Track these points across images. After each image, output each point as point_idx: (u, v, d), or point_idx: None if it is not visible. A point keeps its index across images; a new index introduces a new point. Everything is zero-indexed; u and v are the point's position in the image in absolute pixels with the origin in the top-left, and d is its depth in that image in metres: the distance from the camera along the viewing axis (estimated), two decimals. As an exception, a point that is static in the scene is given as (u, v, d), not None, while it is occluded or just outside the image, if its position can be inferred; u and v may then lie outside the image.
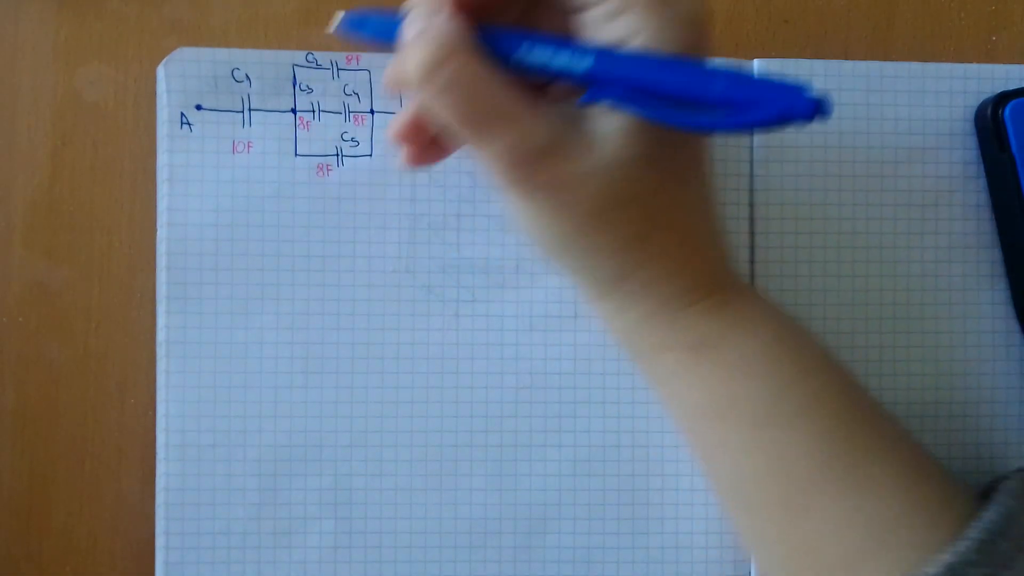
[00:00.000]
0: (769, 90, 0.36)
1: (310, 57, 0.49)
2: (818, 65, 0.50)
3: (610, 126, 0.38)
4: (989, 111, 0.49)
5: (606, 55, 0.37)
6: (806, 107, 0.35)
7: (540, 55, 0.38)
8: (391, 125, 0.43)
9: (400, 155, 0.44)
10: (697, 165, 0.41)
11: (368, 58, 0.49)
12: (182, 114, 0.48)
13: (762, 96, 0.35)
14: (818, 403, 0.41)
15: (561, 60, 0.38)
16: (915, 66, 0.51)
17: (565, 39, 0.38)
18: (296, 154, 0.49)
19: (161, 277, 0.48)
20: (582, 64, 0.37)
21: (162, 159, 0.48)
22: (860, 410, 0.42)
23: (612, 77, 0.37)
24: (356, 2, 0.49)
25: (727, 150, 0.50)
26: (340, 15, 0.42)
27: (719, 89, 0.36)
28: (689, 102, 0.36)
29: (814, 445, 0.40)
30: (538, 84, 0.40)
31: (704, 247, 0.42)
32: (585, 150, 0.38)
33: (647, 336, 0.43)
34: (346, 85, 0.49)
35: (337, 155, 0.49)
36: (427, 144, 0.43)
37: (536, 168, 0.38)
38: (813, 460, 0.40)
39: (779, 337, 0.42)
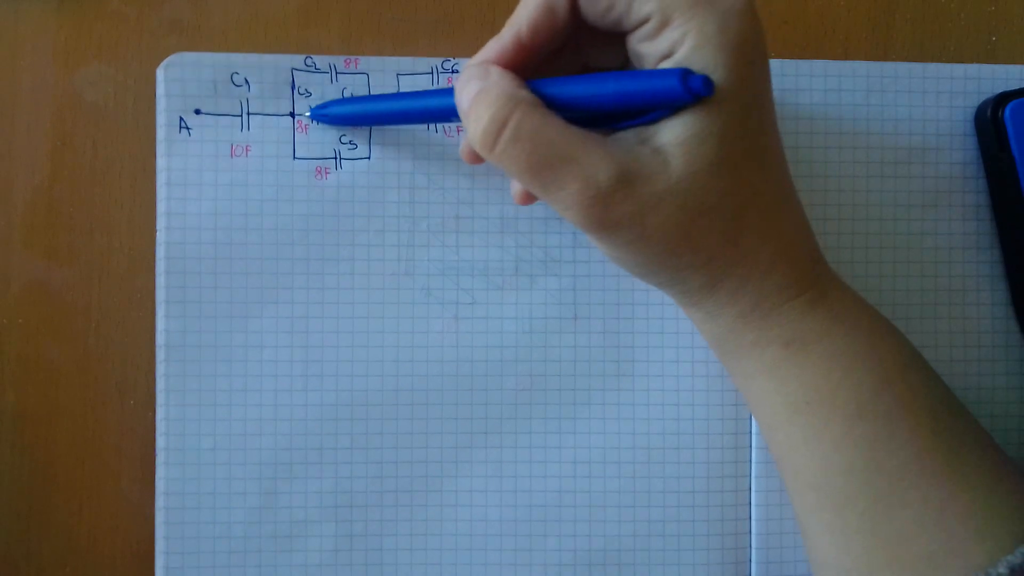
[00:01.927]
0: (652, 77, 0.37)
1: (308, 61, 0.49)
2: (818, 65, 0.50)
3: (672, 143, 0.38)
4: (989, 111, 0.49)
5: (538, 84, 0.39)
6: (683, 87, 0.36)
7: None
8: (463, 147, 0.45)
9: (514, 198, 0.46)
10: (771, 154, 0.41)
11: (366, 61, 0.49)
12: (181, 118, 0.48)
13: (646, 83, 0.37)
14: (914, 397, 0.41)
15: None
16: (915, 66, 0.51)
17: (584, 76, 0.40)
18: (295, 157, 0.49)
19: (160, 281, 0.48)
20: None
21: (161, 163, 0.48)
22: (951, 407, 0.42)
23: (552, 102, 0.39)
24: (356, 4, 0.49)
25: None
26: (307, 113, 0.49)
27: (612, 87, 0.38)
28: (598, 108, 0.38)
29: (910, 438, 0.40)
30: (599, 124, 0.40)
31: (794, 241, 0.42)
32: (653, 174, 0.38)
33: (741, 336, 0.42)
34: (344, 88, 0.49)
35: (335, 158, 0.49)
36: None
37: (609, 204, 0.38)
38: (908, 453, 0.40)
39: (876, 332, 0.42)
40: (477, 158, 0.44)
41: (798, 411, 0.42)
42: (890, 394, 0.41)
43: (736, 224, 0.39)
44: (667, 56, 0.38)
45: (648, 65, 0.39)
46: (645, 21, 0.38)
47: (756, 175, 0.40)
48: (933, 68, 0.51)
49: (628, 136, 0.39)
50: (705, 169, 0.38)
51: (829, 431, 0.41)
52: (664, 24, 0.37)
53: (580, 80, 0.39)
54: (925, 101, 0.51)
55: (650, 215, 0.38)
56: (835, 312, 0.42)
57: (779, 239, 0.41)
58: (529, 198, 0.45)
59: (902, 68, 0.51)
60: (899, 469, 0.40)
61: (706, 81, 0.36)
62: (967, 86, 0.51)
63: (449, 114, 0.42)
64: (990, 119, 0.49)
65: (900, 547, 0.40)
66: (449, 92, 0.41)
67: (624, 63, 0.42)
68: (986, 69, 0.51)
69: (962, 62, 0.51)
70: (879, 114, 0.50)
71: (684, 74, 0.36)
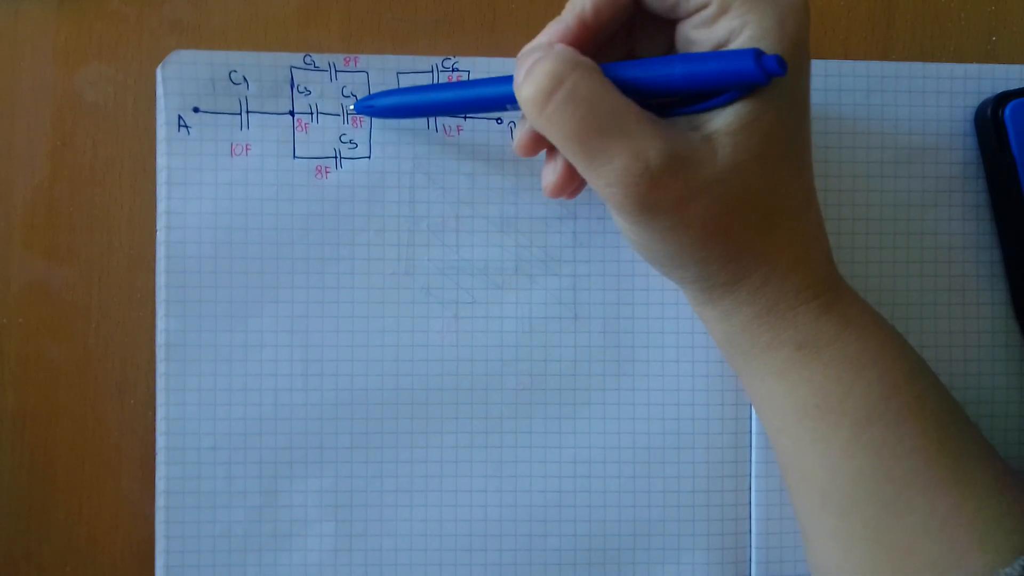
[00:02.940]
0: (724, 58, 0.37)
1: (307, 59, 0.49)
2: (818, 65, 0.50)
3: (722, 131, 0.38)
4: (989, 111, 0.49)
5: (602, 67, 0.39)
6: (758, 67, 0.36)
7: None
8: (516, 138, 0.43)
9: (546, 189, 0.44)
10: (804, 156, 0.41)
11: (366, 60, 0.49)
12: (180, 117, 0.48)
13: (719, 65, 0.37)
14: (923, 404, 0.41)
15: None
16: (915, 66, 0.51)
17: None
18: (294, 156, 0.49)
19: (160, 280, 0.48)
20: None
21: (160, 162, 0.48)
22: (957, 415, 0.42)
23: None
24: (355, 4, 0.49)
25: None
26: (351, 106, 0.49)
27: (681, 69, 0.37)
28: (667, 91, 0.38)
29: (917, 445, 0.40)
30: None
31: (814, 243, 0.42)
32: (702, 161, 0.38)
33: (755, 337, 0.42)
34: (344, 87, 0.49)
35: (335, 157, 0.49)
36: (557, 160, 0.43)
37: (655, 185, 0.37)
38: (916, 460, 0.40)
39: (886, 339, 0.42)
40: (532, 150, 0.43)
41: (807, 415, 0.42)
42: (899, 401, 0.41)
43: (767, 222, 0.40)
44: (722, 45, 0.38)
45: (703, 49, 0.39)
46: (702, 8, 0.38)
47: (789, 174, 0.40)
48: (933, 68, 0.51)
49: (679, 121, 0.39)
50: (749, 162, 0.38)
51: (838, 436, 0.41)
52: (723, 12, 0.37)
53: (646, 63, 0.38)
54: (925, 101, 0.51)
55: (693, 202, 0.38)
56: (847, 317, 0.42)
57: (802, 241, 0.41)
58: (532, 148, 0.43)
59: (902, 68, 0.51)
60: (906, 476, 0.40)
61: (780, 61, 0.36)
62: (967, 86, 0.51)
63: (503, 101, 0.42)
64: (990, 119, 0.49)
65: (903, 554, 0.40)
66: (503, 80, 0.41)
67: (668, 51, 0.42)
68: (986, 69, 0.51)
69: (962, 62, 0.51)
70: (879, 114, 0.50)
71: (757, 54, 0.36)
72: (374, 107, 0.47)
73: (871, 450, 0.41)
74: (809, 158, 0.41)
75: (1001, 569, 0.38)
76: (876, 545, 0.41)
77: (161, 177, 0.48)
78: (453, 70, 0.49)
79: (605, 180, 0.38)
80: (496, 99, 0.42)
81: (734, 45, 0.37)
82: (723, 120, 0.38)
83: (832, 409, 0.41)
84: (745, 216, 0.39)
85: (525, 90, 0.38)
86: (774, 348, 0.42)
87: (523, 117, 0.41)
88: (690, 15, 0.39)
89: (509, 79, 0.41)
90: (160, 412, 0.48)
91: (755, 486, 0.50)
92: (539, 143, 0.42)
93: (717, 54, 0.37)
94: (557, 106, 0.37)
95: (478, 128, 0.49)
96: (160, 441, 0.48)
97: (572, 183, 0.43)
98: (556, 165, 0.43)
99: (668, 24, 0.40)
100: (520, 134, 0.43)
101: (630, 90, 0.38)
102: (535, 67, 0.38)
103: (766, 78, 0.36)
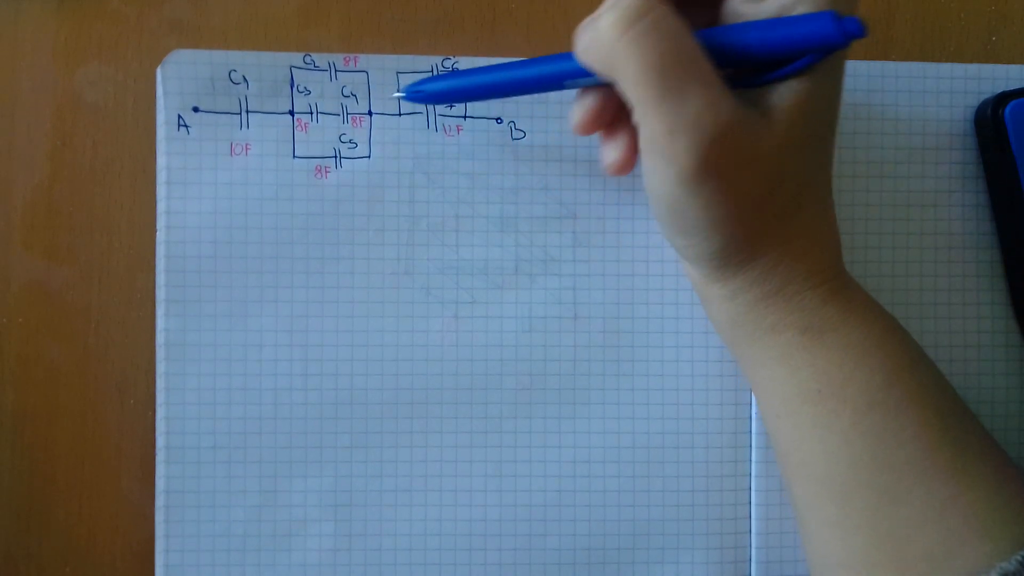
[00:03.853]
0: (802, 22, 0.36)
1: (307, 59, 0.49)
2: (818, 65, 0.50)
3: (780, 107, 0.38)
4: (989, 111, 0.49)
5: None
6: (837, 28, 0.36)
7: None
8: (573, 114, 0.43)
9: (603, 160, 0.44)
10: (833, 143, 0.41)
11: (365, 59, 0.49)
12: (179, 116, 0.48)
13: (797, 28, 0.36)
14: (925, 393, 0.41)
15: None
16: (915, 66, 0.51)
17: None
18: (294, 156, 0.49)
19: (160, 280, 0.48)
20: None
21: (160, 162, 0.48)
22: (957, 406, 0.42)
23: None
24: (355, 4, 0.49)
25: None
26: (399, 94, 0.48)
27: (757, 35, 0.37)
28: (745, 57, 0.37)
29: (918, 433, 0.40)
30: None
31: (829, 231, 0.42)
32: (759, 131, 0.38)
33: (760, 318, 0.43)
34: (344, 87, 0.49)
35: (335, 157, 0.49)
36: (616, 137, 0.43)
37: (720, 140, 0.36)
38: (915, 448, 0.40)
39: (889, 328, 0.43)
40: (593, 126, 0.42)
41: (808, 400, 0.42)
42: (900, 388, 0.41)
43: (795, 203, 0.40)
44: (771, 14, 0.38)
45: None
46: None
47: (823, 159, 0.41)
48: (933, 68, 0.51)
49: (738, 93, 0.38)
50: (796, 142, 0.38)
51: (838, 422, 0.41)
52: None
53: (719, 30, 0.38)
54: (925, 101, 0.51)
55: (744, 171, 0.38)
56: (851, 304, 0.42)
57: (819, 226, 0.42)
58: (594, 124, 0.42)
59: (902, 68, 0.51)
60: (905, 464, 0.40)
61: (861, 22, 0.35)
62: (967, 86, 0.51)
63: (562, 77, 0.41)
64: (990, 119, 0.49)
65: (901, 544, 0.40)
66: (561, 57, 0.41)
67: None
68: (986, 69, 0.51)
69: (962, 62, 0.51)
70: (879, 114, 0.50)
71: (836, 15, 0.35)
72: (424, 92, 0.46)
73: (871, 437, 0.41)
74: (833, 146, 0.42)
75: (999, 563, 0.38)
76: (874, 534, 0.41)
77: (161, 177, 0.48)
78: (453, 70, 0.49)
79: (672, 123, 0.36)
80: (554, 76, 0.41)
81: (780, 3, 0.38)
82: (779, 97, 0.38)
83: (833, 395, 0.41)
84: (780, 195, 0.39)
85: (607, 17, 0.37)
86: (778, 331, 0.42)
87: (582, 93, 0.41)
88: None
89: (566, 56, 0.40)
90: (160, 412, 0.48)
91: (755, 486, 0.50)
92: (600, 119, 0.42)
93: (793, 18, 0.37)
94: (642, 32, 0.36)
95: (478, 128, 0.49)
96: (160, 441, 0.48)
97: (636, 156, 0.42)
98: (619, 142, 0.42)
99: (715, 1, 0.40)
100: (583, 110, 0.42)
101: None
102: (616, 2, 0.37)
103: (845, 40, 0.35)
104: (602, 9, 0.37)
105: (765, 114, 0.38)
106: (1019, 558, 0.38)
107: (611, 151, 0.43)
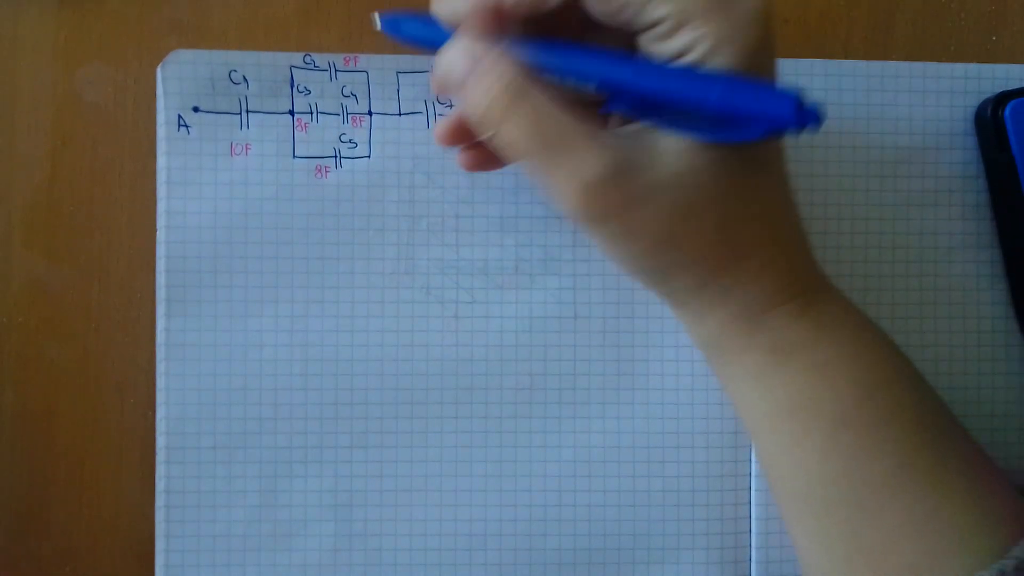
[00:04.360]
0: (763, 98, 0.35)
1: (307, 59, 0.49)
2: (818, 65, 0.50)
3: (672, 139, 0.38)
4: (989, 111, 0.49)
5: (614, 61, 0.38)
6: (797, 117, 0.35)
7: (563, 61, 0.39)
8: (437, 128, 0.44)
9: (457, 159, 0.45)
10: (774, 158, 0.41)
11: (366, 59, 0.49)
12: (180, 116, 0.48)
13: (756, 104, 0.35)
14: (900, 409, 0.41)
15: (578, 65, 0.38)
16: (915, 66, 0.51)
17: (588, 49, 0.39)
18: (294, 156, 0.49)
19: (160, 280, 0.48)
20: (594, 68, 0.38)
21: (160, 162, 0.48)
22: (939, 418, 0.42)
23: (622, 86, 0.37)
24: (355, 4, 0.50)
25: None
26: (376, 16, 0.43)
27: (716, 95, 0.36)
28: (693, 111, 0.36)
29: (893, 449, 0.40)
30: (597, 112, 0.40)
31: (787, 246, 0.42)
32: (647, 169, 0.38)
33: (727, 340, 0.42)
34: (344, 87, 0.49)
35: (335, 157, 0.49)
36: (475, 147, 0.44)
37: (598, 194, 0.38)
38: (891, 463, 0.40)
39: (864, 342, 0.42)
40: (456, 140, 0.44)
41: (781, 418, 0.42)
42: (874, 404, 0.41)
43: (727, 228, 0.39)
44: (679, 56, 0.37)
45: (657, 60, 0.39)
46: (658, 23, 0.37)
47: (753, 181, 0.40)
48: (933, 68, 0.51)
49: (628, 130, 0.39)
50: (700, 170, 0.38)
51: (811, 439, 0.41)
52: (679, 27, 0.37)
53: (684, 77, 0.37)
54: (925, 101, 0.51)
55: (636, 211, 0.38)
56: (822, 321, 0.42)
57: (771, 246, 0.41)
58: (453, 139, 0.44)
59: (902, 68, 0.51)
60: (881, 479, 0.40)
61: (818, 112, 0.35)
62: (967, 86, 0.51)
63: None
64: (990, 119, 0.49)
65: (880, 556, 0.40)
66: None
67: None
68: (986, 69, 0.51)
69: (962, 62, 0.51)
70: (879, 114, 0.50)
71: (798, 102, 0.35)
72: (401, 31, 0.43)
73: (845, 454, 0.41)
74: (780, 162, 0.41)
75: (978, 572, 0.38)
76: (853, 546, 0.41)
77: (161, 177, 0.48)
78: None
79: (551, 193, 0.39)
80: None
81: (691, 57, 0.37)
82: (665, 140, 0.38)
83: (805, 413, 0.41)
84: (699, 223, 0.39)
85: (475, 98, 0.38)
86: (747, 351, 0.42)
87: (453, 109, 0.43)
88: (645, 30, 0.38)
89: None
90: (160, 412, 0.48)
91: (755, 486, 0.50)
92: (459, 136, 0.44)
93: (758, 89, 0.36)
94: (511, 122, 0.38)
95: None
96: (160, 441, 0.48)
97: (491, 162, 0.45)
98: (476, 151, 0.45)
99: (624, 35, 0.40)
100: (446, 128, 0.44)
101: (656, 103, 0.38)
102: (486, 76, 0.38)
103: (799, 130, 0.35)
104: (472, 81, 0.39)
105: (654, 148, 0.38)
106: (998, 567, 0.38)
107: (466, 157, 0.45)
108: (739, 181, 0.39)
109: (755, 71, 0.37)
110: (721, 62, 0.37)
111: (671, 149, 0.38)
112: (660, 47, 0.38)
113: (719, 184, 0.38)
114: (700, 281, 0.41)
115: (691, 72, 0.37)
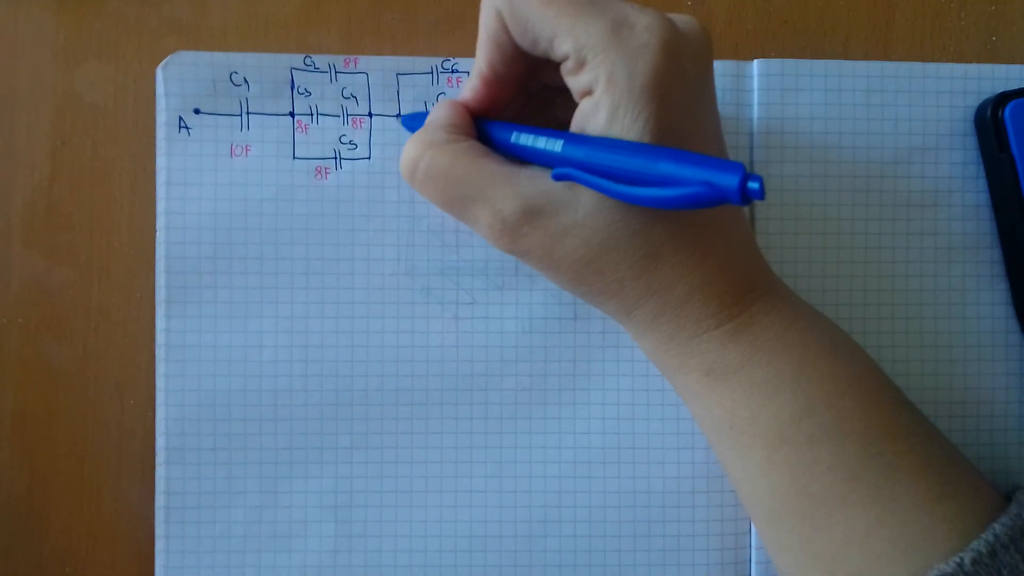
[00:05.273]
0: (709, 169, 0.35)
1: (308, 60, 0.49)
2: (818, 65, 0.50)
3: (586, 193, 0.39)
4: (989, 111, 0.49)
5: (573, 139, 0.39)
6: (737, 191, 0.34)
7: (525, 140, 0.41)
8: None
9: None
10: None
11: (366, 61, 0.49)
12: (180, 118, 0.48)
13: (700, 175, 0.35)
14: (842, 424, 0.41)
15: (540, 143, 0.40)
16: (915, 66, 0.51)
17: (549, 130, 0.40)
18: (294, 157, 0.49)
19: (160, 280, 0.48)
20: (555, 147, 0.39)
21: (160, 163, 0.48)
22: (892, 427, 0.42)
23: (579, 160, 0.38)
24: (356, 4, 0.49)
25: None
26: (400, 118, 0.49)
27: (662, 169, 0.36)
28: (642, 180, 0.36)
29: (836, 463, 0.40)
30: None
31: (718, 274, 0.41)
32: (561, 209, 0.39)
33: (665, 360, 0.43)
34: (344, 88, 0.49)
35: (335, 158, 0.49)
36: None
37: (516, 236, 0.40)
38: (835, 476, 0.40)
39: (804, 360, 0.42)
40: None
41: (723, 434, 0.43)
42: (813, 422, 0.41)
43: (647, 260, 0.40)
44: (588, 93, 0.38)
45: (576, 96, 0.40)
46: (566, 58, 0.38)
47: (675, 213, 0.40)
48: (933, 68, 0.51)
49: (544, 172, 0.40)
50: (615, 208, 0.39)
51: (752, 455, 0.42)
52: (580, 64, 0.38)
53: (633, 151, 0.37)
54: (925, 101, 0.51)
55: (557, 246, 0.40)
56: (759, 342, 0.41)
57: (698, 273, 0.41)
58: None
59: (902, 68, 0.51)
60: (823, 493, 0.40)
61: (760, 188, 0.34)
62: (967, 86, 0.51)
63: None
64: (990, 119, 0.49)
65: (830, 564, 0.41)
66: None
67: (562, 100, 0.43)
68: (986, 69, 0.51)
69: (962, 62, 0.51)
70: (879, 114, 0.50)
71: (744, 177, 0.34)
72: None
73: (784, 469, 0.41)
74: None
75: (937, 565, 0.38)
76: (803, 555, 0.42)
77: (161, 178, 0.48)
78: (453, 71, 0.49)
79: (480, 235, 0.42)
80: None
81: (596, 95, 0.38)
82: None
83: (744, 431, 0.42)
84: (618, 256, 0.40)
85: (401, 168, 0.42)
86: (683, 372, 0.43)
87: None
88: (559, 64, 0.39)
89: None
90: (160, 413, 0.48)
91: (755, 486, 0.50)
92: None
93: (704, 162, 0.35)
94: (420, 183, 0.41)
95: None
96: (160, 442, 0.48)
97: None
98: None
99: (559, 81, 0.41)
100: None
101: (604, 174, 0.37)
102: (405, 147, 0.42)
103: (741, 201, 0.34)
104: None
105: (572, 186, 0.39)
106: (956, 560, 0.38)
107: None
108: (657, 216, 0.39)
109: (656, 107, 0.37)
110: (617, 99, 0.37)
111: (585, 190, 0.39)
112: (571, 82, 0.39)
113: (635, 220, 0.39)
114: (626, 308, 0.42)
115: (641, 148, 0.37)
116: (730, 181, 0.34)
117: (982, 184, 0.51)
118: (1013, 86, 0.50)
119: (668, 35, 0.38)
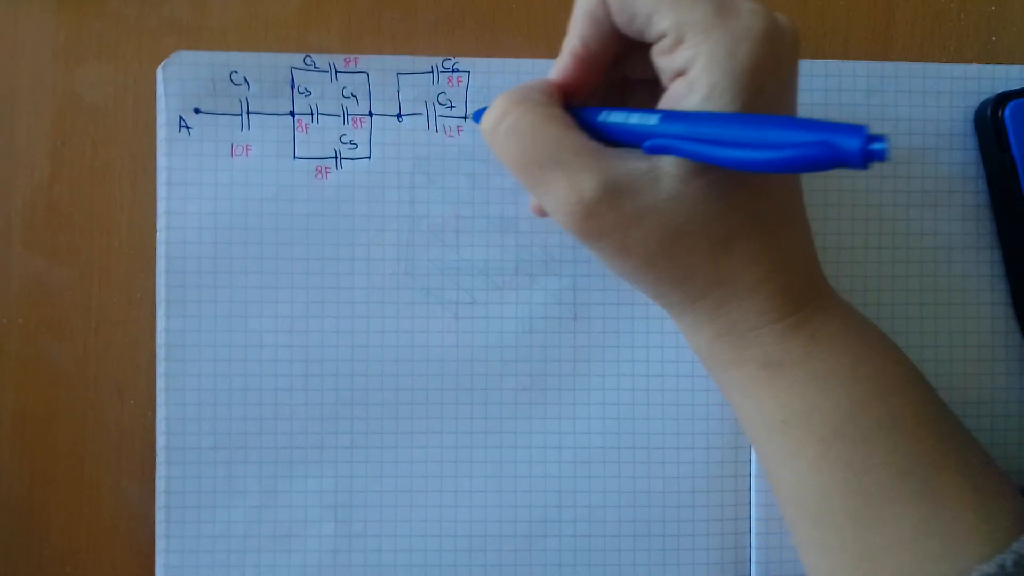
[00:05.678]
0: (825, 131, 0.34)
1: (308, 60, 0.49)
2: (818, 65, 0.50)
3: (669, 161, 0.38)
4: (989, 111, 0.49)
5: (669, 114, 0.37)
6: (859, 152, 0.33)
7: (616, 117, 0.39)
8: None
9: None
10: (777, 180, 0.40)
11: (366, 60, 0.49)
12: (180, 117, 0.48)
13: (816, 138, 0.34)
14: (895, 420, 0.41)
15: (633, 120, 0.39)
16: (915, 66, 0.51)
17: (640, 109, 0.39)
18: (295, 157, 0.49)
19: (160, 280, 0.48)
20: (650, 120, 0.38)
21: (161, 162, 0.48)
22: (938, 426, 0.42)
23: (677, 133, 0.37)
24: (356, 4, 0.49)
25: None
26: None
27: (771, 136, 0.35)
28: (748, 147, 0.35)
29: (887, 460, 0.40)
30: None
31: (784, 265, 0.41)
32: (641, 190, 0.38)
33: (721, 352, 0.43)
34: (344, 87, 0.49)
35: (336, 157, 0.49)
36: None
37: (592, 214, 0.38)
38: (887, 473, 0.40)
39: (860, 357, 0.42)
40: (543, 211, 0.44)
41: (775, 430, 0.42)
42: (868, 418, 0.41)
43: (720, 247, 0.39)
44: (681, 73, 0.38)
45: (665, 80, 0.39)
46: (663, 36, 0.38)
47: (751, 201, 0.39)
48: (933, 68, 0.51)
49: (630, 150, 0.39)
50: (696, 191, 0.38)
51: (804, 451, 0.41)
52: (678, 42, 0.37)
53: (733, 119, 0.36)
54: (925, 101, 0.51)
55: (632, 229, 0.39)
56: (817, 336, 0.41)
57: (767, 263, 0.40)
58: (543, 210, 0.44)
59: (902, 68, 0.51)
60: (875, 490, 0.40)
61: (886, 148, 0.33)
62: (967, 86, 0.51)
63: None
64: (990, 119, 0.49)
65: (876, 564, 0.40)
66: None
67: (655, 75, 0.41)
68: (986, 69, 0.51)
69: (962, 62, 0.51)
70: (879, 114, 0.50)
71: (868, 138, 0.33)
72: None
73: (838, 466, 0.41)
74: (786, 181, 0.41)
75: (978, 566, 0.38)
76: (849, 554, 0.41)
77: (161, 177, 0.48)
78: (453, 70, 0.49)
79: (547, 207, 0.40)
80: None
81: (690, 75, 0.37)
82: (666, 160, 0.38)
83: (798, 426, 0.41)
84: (692, 242, 0.39)
85: (482, 122, 0.41)
86: (739, 365, 0.42)
87: None
88: (654, 42, 0.39)
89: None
90: (160, 412, 0.48)
91: (755, 486, 0.50)
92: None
93: (816, 125, 0.34)
94: (501, 136, 0.40)
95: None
96: (160, 441, 0.48)
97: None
98: None
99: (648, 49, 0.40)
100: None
101: (734, 146, 0.35)
102: (494, 103, 0.40)
103: (864, 166, 0.33)
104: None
105: (654, 168, 0.38)
106: (998, 560, 0.38)
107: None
108: (734, 203, 0.39)
109: (750, 94, 0.37)
110: (714, 80, 0.37)
111: (668, 172, 0.38)
112: (664, 62, 0.38)
113: (714, 206, 0.38)
114: (692, 297, 0.41)
115: (744, 117, 0.36)
116: (851, 141, 0.33)
117: (982, 184, 0.51)
118: (1013, 86, 0.50)
119: (770, 24, 0.37)
